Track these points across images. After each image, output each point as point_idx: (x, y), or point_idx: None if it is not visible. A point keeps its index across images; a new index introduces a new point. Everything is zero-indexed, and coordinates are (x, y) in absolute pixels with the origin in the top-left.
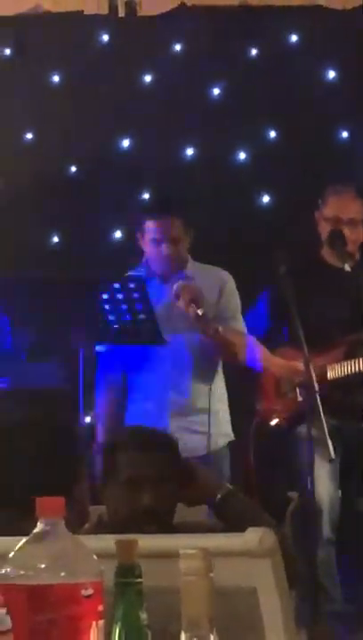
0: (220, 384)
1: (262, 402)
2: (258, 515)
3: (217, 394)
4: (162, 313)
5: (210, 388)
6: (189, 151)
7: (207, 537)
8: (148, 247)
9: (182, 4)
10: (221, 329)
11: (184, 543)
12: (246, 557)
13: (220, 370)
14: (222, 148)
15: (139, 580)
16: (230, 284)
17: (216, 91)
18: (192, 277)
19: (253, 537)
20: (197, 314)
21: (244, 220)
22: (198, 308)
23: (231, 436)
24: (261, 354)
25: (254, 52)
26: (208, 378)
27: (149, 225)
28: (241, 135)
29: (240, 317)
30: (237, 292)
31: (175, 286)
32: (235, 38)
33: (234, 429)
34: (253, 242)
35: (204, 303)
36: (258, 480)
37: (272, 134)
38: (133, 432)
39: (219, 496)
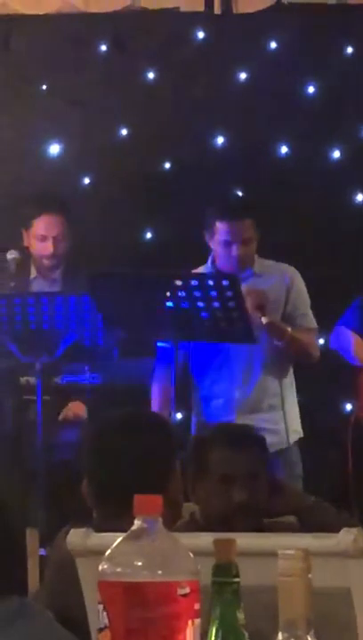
0: (290, 381)
1: (358, 399)
2: (345, 523)
3: (287, 391)
4: None
5: (281, 386)
6: (284, 149)
7: (301, 537)
8: (217, 247)
9: (278, 2)
10: (290, 330)
11: (279, 542)
12: (340, 558)
13: (291, 368)
14: (316, 147)
15: (236, 579)
16: (297, 280)
17: (311, 89)
18: (260, 275)
19: (347, 537)
20: (262, 322)
21: (338, 220)
22: (263, 316)
23: (301, 433)
24: (356, 346)
25: (349, 50)
26: (279, 376)
27: (221, 227)
28: (335, 134)
29: (310, 313)
30: (304, 288)
31: (243, 289)
32: (330, 36)
33: (314, 427)
34: (348, 240)
35: (270, 308)
36: (354, 480)
37: None
38: (221, 429)
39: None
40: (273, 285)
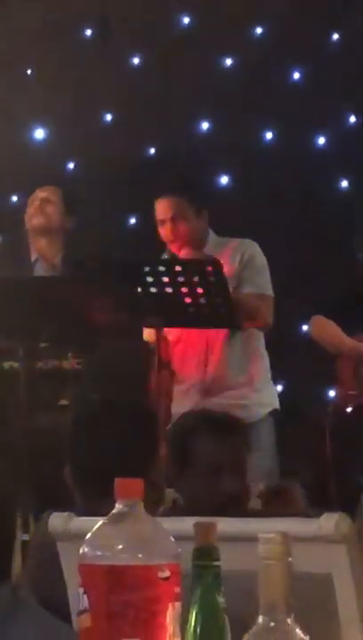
0: (259, 355)
1: (339, 386)
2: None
3: (256, 365)
4: None
5: (248, 361)
6: (269, 135)
7: (282, 521)
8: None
9: None
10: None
11: (260, 527)
12: (322, 542)
13: (258, 342)
14: (302, 133)
15: (217, 562)
16: (252, 251)
17: (297, 75)
18: (211, 254)
19: (328, 522)
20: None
21: (322, 205)
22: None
23: (273, 406)
24: (333, 332)
25: (335, 36)
26: (244, 350)
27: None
28: (320, 120)
29: (262, 281)
30: (260, 258)
31: None
32: (316, 22)
33: (298, 412)
34: (331, 227)
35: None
36: (333, 466)
37: (352, 119)
38: (203, 417)
39: None
40: (226, 265)
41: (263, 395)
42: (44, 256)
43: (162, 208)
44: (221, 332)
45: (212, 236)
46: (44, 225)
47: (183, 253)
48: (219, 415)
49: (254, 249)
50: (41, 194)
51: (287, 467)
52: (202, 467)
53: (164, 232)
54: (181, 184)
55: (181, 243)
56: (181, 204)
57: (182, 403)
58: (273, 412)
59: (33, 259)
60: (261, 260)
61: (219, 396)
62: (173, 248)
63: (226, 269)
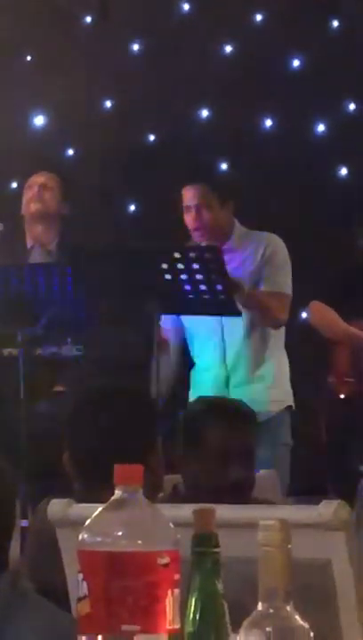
0: (276, 350)
1: (334, 374)
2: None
3: (272, 360)
4: None
5: (264, 355)
6: (268, 122)
7: (282, 508)
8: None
9: None
10: (247, 287)
11: (259, 514)
12: (321, 529)
13: (276, 337)
14: (301, 121)
15: (216, 549)
16: (274, 247)
17: (296, 62)
18: (235, 250)
19: (327, 509)
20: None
21: (321, 192)
22: None
23: (288, 403)
24: (331, 318)
25: (335, 23)
26: (261, 345)
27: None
28: (320, 108)
29: (282, 280)
30: (283, 256)
31: None
32: (316, 9)
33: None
34: (329, 215)
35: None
36: (329, 453)
37: (352, 107)
38: (215, 403)
39: None
40: (248, 257)
41: (279, 391)
42: (40, 242)
43: (189, 195)
44: (240, 324)
45: (237, 227)
46: (42, 211)
47: (204, 242)
48: (231, 402)
49: (277, 245)
50: (38, 179)
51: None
52: (209, 452)
53: (188, 219)
54: (208, 173)
55: (204, 231)
56: (206, 193)
57: (198, 390)
58: (288, 409)
59: (29, 245)
60: (283, 256)
61: (235, 389)
62: (195, 236)
63: (248, 263)
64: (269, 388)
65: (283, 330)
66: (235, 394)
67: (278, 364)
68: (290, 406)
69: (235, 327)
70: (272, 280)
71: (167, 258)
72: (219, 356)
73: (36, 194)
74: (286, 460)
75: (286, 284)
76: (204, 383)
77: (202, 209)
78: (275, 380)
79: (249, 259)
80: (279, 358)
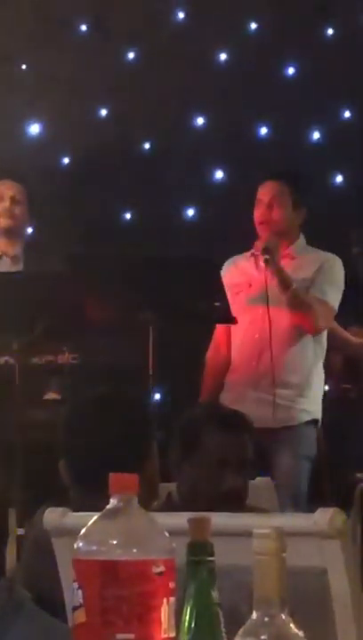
0: (314, 361)
1: (333, 380)
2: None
3: (309, 371)
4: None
5: (302, 364)
6: (264, 130)
7: (277, 516)
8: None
9: None
10: (295, 286)
11: (254, 522)
12: (316, 538)
13: (316, 347)
14: (296, 128)
15: (211, 558)
16: (331, 263)
17: (291, 70)
18: (294, 257)
19: (323, 517)
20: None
21: (317, 199)
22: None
23: (314, 415)
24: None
25: (330, 31)
26: (300, 353)
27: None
28: (315, 115)
29: (332, 293)
30: (337, 272)
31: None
32: (311, 17)
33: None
34: (325, 222)
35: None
36: (327, 460)
37: (347, 114)
38: (214, 411)
39: None
40: (306, 266)
41: (310, 401)
42: (4, 252)
43: (265, 189)
44: (287, 330)
45: (302, 239)
46: (12, 227)
47: (264, 238)
48: (228, 411)
49: (336, 264)
50: (8, 191)
51: None
52: (205, 460)
53: (257, 213)
54: (290, 173)
55: (268, 227)
56: (283, 190)
57: (229, 392)
58: (313, 422)
59: None
60: (338, 275)
61: (266, 392)
62: (260, 230)
63: (304, 270)
64: (303, 396)
65: (325, 342)
66: (266, 394)
67: (315, 373)
68: (317, 420)
69: (280, 329)
70: (322, 289)
71: (163, 267)
72: (256, 353)
73: (8, 208)
74: (306, 473)
75: (333, 297)
76: (232, 384)
77: (274, 204)
78: (310, 389)
79: (306, 267)
80: (318, 368)
